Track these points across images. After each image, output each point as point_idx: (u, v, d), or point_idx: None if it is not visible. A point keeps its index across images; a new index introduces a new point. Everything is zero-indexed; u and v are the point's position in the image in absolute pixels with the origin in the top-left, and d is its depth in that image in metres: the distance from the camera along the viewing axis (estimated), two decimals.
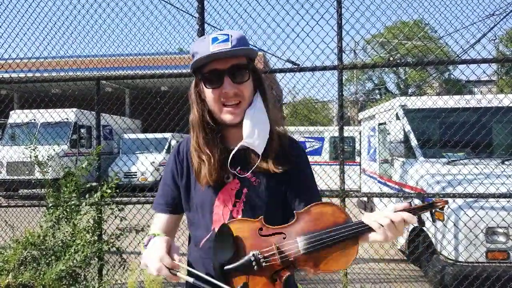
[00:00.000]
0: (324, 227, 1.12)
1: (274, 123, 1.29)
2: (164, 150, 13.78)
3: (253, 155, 1.26)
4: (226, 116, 1.23)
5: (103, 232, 3.56)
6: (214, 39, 1.19)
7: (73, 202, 3.24)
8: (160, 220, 1.36)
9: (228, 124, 1.25)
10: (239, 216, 1.24)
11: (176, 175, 1.35)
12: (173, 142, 14.13)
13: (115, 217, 3.48)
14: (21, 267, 3.07)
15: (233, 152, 1.24)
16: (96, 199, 3.27)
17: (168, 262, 1.10)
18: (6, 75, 4.21)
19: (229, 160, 1.26)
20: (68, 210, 3.26)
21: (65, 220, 3.26)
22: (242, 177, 1.27)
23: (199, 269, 1.19)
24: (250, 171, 1.27)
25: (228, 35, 1.19)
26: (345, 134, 3.93)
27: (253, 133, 1.21)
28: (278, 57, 3.87)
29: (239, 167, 1.28)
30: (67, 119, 12.49)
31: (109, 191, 3.26)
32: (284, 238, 1.13)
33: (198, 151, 1.27)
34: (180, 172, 1.34)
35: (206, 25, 3.61)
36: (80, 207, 3.25)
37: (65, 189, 3.29)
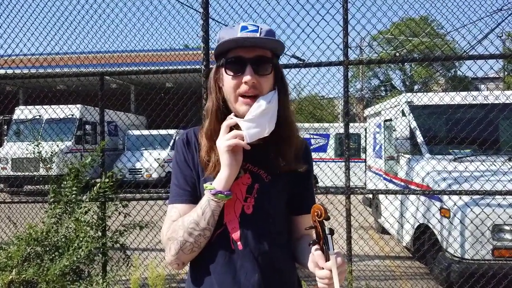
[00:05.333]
0: None
1: (292, 123, 1.27)
2: (169, 147, 13.78)
3: (271, 152, 1.24)
4: (241, 107, 1.19)
5: (107, 229, 3.56)
6: (244, 27, 1.17)
7: (73, 197, 3.23)
8: (184, 211, 1.22)
9: (241, 116, 1.21)
10: (250, 212, 1.22)
11: (190, 162, 1.28)
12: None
13: (119, 213, 3.47)
14: (25, 263, 3.06)
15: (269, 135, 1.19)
16: (96, 191, 3.25)
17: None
18: (10, 71, 4.21)
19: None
20: (70, 205, 3.26)
21: (68, 215, 3.25)
22: (254, 173, 1.24)
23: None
24: (259, 167, 1.25)
25: (258, 26, 1.19)
26: (351, 130, 3.89)
27: (258, 120, 1.16)
28: (283, 52, 3.83)
29: (249, 163, 1.24)
30: (72, 115, 12.52)
31: (107, 180, 3.24)
32: None
33: (210, 140, 1.23)
34: (191, 162, 1.28)
35: (210, 20, 3.58)
36: (81, 201, 3.24)
37: (65, 183, 3.28)
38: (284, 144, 1.24)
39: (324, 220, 1.06)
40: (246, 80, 1.16)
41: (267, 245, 1.21)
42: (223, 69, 1.21)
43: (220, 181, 1.16)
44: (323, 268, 1.05)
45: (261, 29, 1.18)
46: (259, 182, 1.24)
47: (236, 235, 1.20)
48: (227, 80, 1.20)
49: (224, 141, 1.16)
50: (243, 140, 1.16)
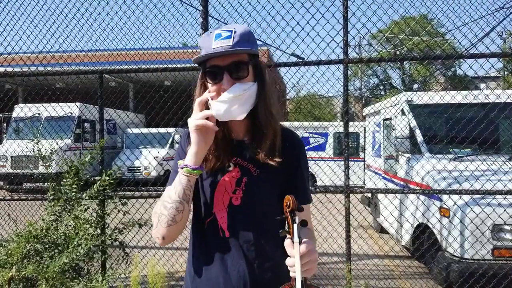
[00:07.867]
0: None
1: (271, 116, 1.32)
2: (168, 145, 13.77)
3: (255, 146, 1.31)
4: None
5: (106, 226, 3.55)
6: (218, 35, 1.22)
7: (73, 194, 3.23)
8: None
9: None
10: (238, 203, 1.29)
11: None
12: (177, 137, 14.11)
13: (118, 211, 3.47)
14: (25, 261, 3.06)
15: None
16: (96, 189, 3.25)
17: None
18: (10, 69, 4.20)
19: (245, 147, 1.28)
20: (69, 202, 3.25)
21: (67, 213, 3.25)
22: (243, 167, 1.32)
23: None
24: (248, 161, 1.32)
25: (231, 31, 1.22)
26: (350, 129, 3.88)
27: (229, 103, 1.20)
28: (282, 50, 3.83)
29: (238, 157, 1.33)
30: (71, 113, 12.50)
31: (107, 178, 3.24)
32: None
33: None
34: None
35: (210, 18, 3.56)
36: (81, 199, 3.24)
37: (64, 181, 3.28)
38: (261, 136, 1.30)
39: (296, 211, 1.10)
40: (224, 87, 1.23)
41: (253, 235, 1.29)
42: (205, 77, 1.30)
43: (189, 157, 1.24)
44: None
45: (235, 32, 1.22)
46: (248, 176, 1.32)
47: (224, 224, 1.29)
48: (210, 87, 1.28)
49: (193, 120, 1.22)
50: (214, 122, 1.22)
